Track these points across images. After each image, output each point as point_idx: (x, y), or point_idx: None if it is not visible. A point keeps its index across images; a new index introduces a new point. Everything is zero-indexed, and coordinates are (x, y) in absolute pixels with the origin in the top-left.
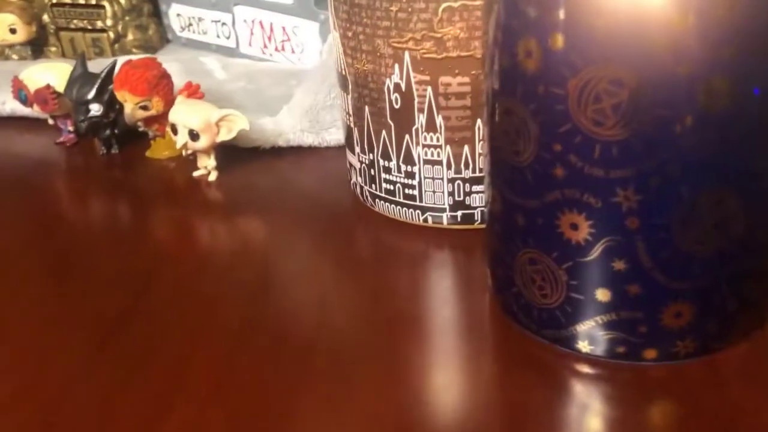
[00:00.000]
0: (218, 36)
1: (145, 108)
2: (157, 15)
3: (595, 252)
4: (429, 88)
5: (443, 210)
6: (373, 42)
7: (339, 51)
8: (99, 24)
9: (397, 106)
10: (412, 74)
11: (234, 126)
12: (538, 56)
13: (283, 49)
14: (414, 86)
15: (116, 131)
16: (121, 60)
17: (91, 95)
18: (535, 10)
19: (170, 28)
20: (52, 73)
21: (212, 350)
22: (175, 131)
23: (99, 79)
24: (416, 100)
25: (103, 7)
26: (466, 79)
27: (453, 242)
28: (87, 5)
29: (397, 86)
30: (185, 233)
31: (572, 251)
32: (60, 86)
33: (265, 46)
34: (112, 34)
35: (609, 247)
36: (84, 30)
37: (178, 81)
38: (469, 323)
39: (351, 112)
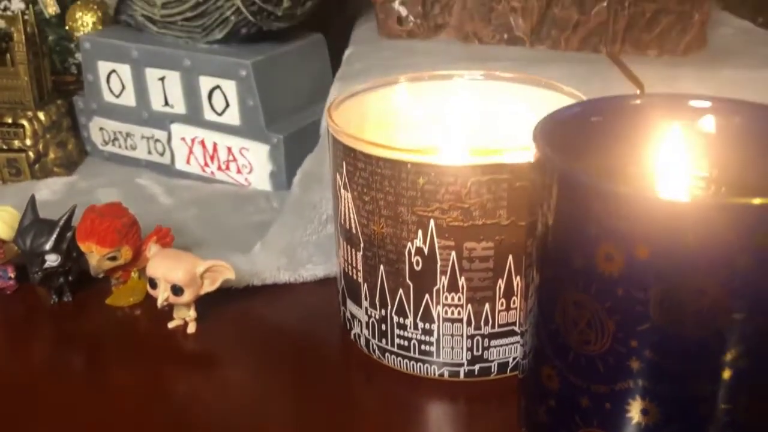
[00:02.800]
0: (150, 152)
1: (113, 258)
2: (75, 128)
3: None
4: (453, 252)
5: (461, 365)
6: (395, 209)
7: (349, 210)
8: (16, 144)
9: (418, 268)
10: (436, 240)
11: (219, 276)
12: (619, 262)
13: (227, 168)
14: (438, 251)
15: (70, 278)
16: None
17: (48, 246)
18: (620, 220)
19: (89, 141)
20: None
21: None
22: (153, 285)
23: (57, 228)
24: (439, 263)
25: (21, 126)
26: (491, 244)
27: (469, 394)
28: (2, 124)
29: (419, 250)
30: (160, 390)
31: None
32: (3, 232)
33: (207, 165)
34: (32, 154)
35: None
36: None
37: None
38: None
39: (359, 268)
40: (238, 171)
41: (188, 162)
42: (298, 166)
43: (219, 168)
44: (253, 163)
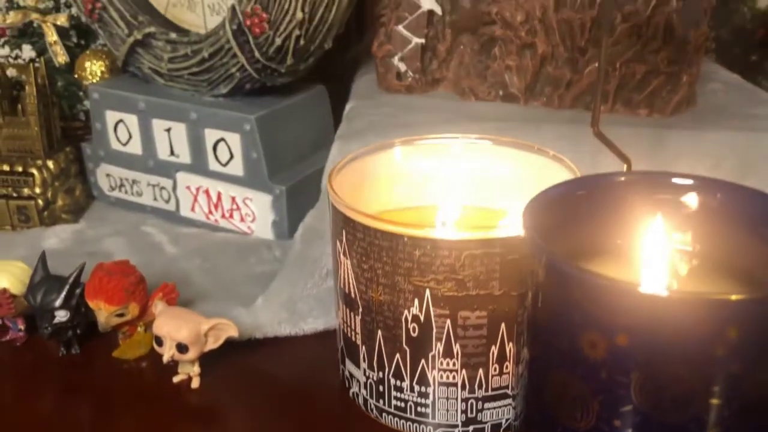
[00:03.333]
0: (156, 199)
1: (121, 315)
2: (83, 173)
3: None
4: (448, 320)
5: (455, 426)
6: (392, 278)
7: (348, 276)
8: (26, 192)
9: (414, 335)
10: (432, 309)
11: (222, 334)
12: (602, 349)
13: (231, 216)
14: (433, 319)
15: (78, 331)
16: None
17: (58, 303)
18: (602, 309)
19: (96, 186)
20: (5, 276)
21: None
22: (159, 343)
23: (66, 285)
24: (435, 330)
25: (31, 174)
26: (484, 313)
27: None
28: (12, 173)
29: (415, 317)
30: None
31: None
32: (14, 287)
33: (211, 212)
34: (41, 202)
35: None
36: (8, 197)
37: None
38: None
39: (358, 331)
40: (242, 219)
41: (193, 209)
42: (300, 216)
43: (223, 216)
44: (256, 213)
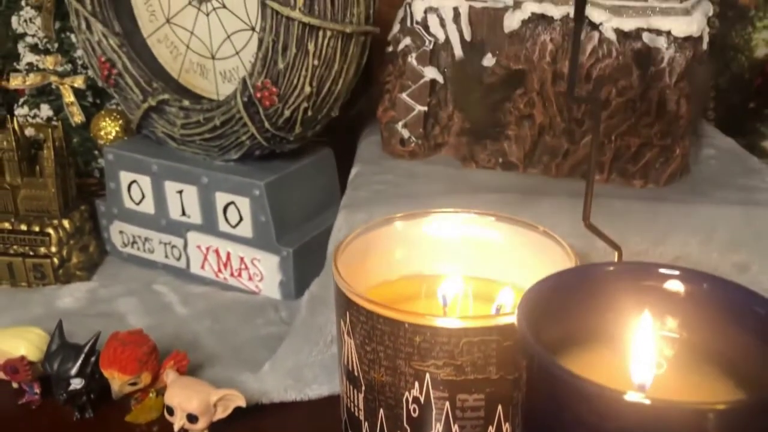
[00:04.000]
0: (167, 256)
1: (134, 384)
2: (97, 229)
3: None
4: (447, 402)
5: None
6: (394, 361)
7: (352, 355)
8: (42, 250)
9: (414, 415)
10: (431, 391)
11: (230, 404)
12: None
13: (239, 275)
14: (433, 401)
15: (92, 396)
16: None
17: (73, 372)
18: (590, 412)
19: (110, 242)
20: (23, 343)
21: None
22: (170, 412)
23: (82, 354)
24: (434, 412)
25: (48, 234)
26: (481, 396)
27: None
28: (29, 232)
29: (416, 399)
30: None
31: None
32: (32, 354)
33: (220, 271)
34: (56, 260)
35: None
36: (25, 256)
37: (138, 321)
38: None
39: (361, 407)
40: (250, 279)
41: (203, 267)
42: (306, 276)
43: (231, 275)
44: (264, 273)
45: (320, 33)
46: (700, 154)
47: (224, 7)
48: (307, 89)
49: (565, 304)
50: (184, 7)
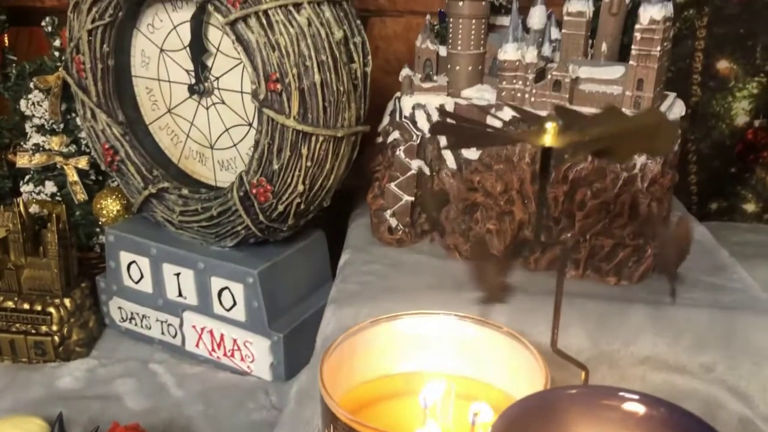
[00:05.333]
0: (163, 333)
1: None
2: (96, 304)
3: None
4: None
5: None
6: None
7: None
8: (44, 329)
9: None
10: None
11: None
12: None
13: (232, 356)
14: None
15: None
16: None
17: None
18: None
19: (109, 316)
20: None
21: None
22: None
23: None
24: None
25: (49, 313)
26: None
27: None
28: (31, 311)
29: None
30: None
31: None
32: None
33: (214, 350)
34: (57, 338)
35: None
36: (27, 333)
37: (135, 404)
38: None
39: None
40: (242, 359)
41: (197, 346)
42: (297, 358)
43: (225, 354)
44: (256, 355)
45: (313, 138)
46: None
47: (223, 102)
48: (300, 187)
49: (535, 425)
50: (185, 99)
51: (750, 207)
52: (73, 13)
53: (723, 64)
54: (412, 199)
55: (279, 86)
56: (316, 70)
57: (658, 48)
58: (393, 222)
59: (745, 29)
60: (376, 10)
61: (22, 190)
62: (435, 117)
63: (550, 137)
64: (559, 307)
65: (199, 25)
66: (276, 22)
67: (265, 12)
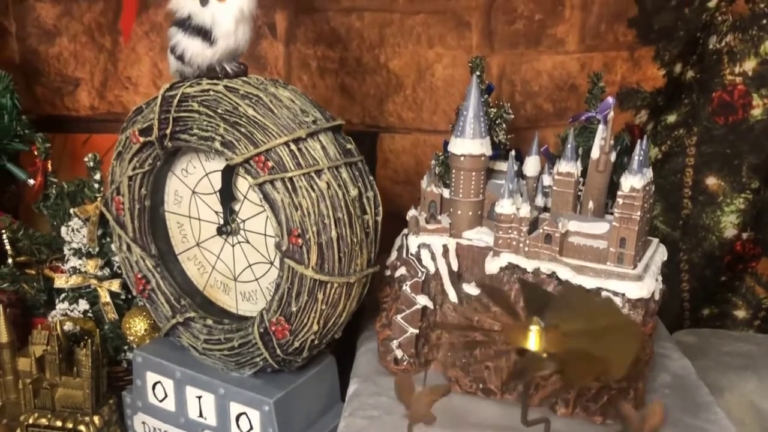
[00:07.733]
0: None
1: None
2: (122, 418)
3: None
4: None
5: None
6: None
7: None
8: None
9: None
10: None
11: None
12: None
13: None
14: None
15: None
16: None
17: None
18: None
19: (132, 429)
20: None
21: None
22: None
23: None
24: None
25: (80, 431)
26: None
27: None
28: (63, 429)
29: None
30: None
31: None
32: None
33: None
34: None
35: None
36: None
37: None
38: None
39: None
40: None
41: None
42: None
43: None
44: None
45: (328, 285)
46: (656, 381)
47: (248, 242)
48: (315, 327)
49: None
50: (212, 236)
51: (740, 313)
52: (116, 161)
53: (712, 180)
54: (417, 331)
55: (300, 240)
56: (333, 226)
57: (638, 213)
58: (399, 353)
59: (732, 149)
60: (387, 127)
61: (57, 307)
62: (439, 256)
63: (534, 342)
64: None
65: (229, 177)
66: (300, 187)
67: (290, 178)
